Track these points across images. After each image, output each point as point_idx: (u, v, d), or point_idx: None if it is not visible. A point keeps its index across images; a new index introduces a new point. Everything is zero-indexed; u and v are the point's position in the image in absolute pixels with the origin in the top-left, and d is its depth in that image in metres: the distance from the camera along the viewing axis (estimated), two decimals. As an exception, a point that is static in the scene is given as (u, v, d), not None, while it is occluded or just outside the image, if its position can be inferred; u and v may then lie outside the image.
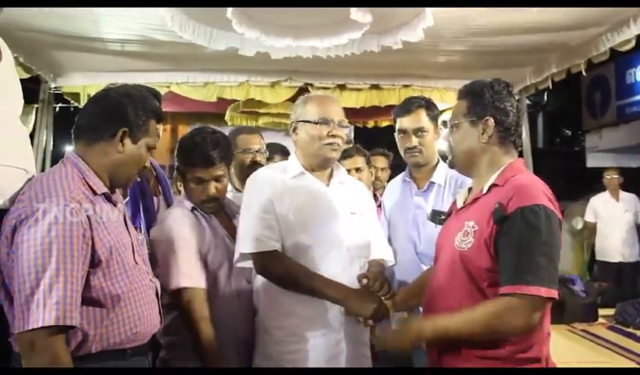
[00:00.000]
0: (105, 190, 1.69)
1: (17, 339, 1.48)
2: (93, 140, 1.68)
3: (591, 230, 6.76)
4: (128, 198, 2.39)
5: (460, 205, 1.87)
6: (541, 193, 1.61)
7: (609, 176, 6.64)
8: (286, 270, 2.08)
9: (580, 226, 7.14)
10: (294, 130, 2.23)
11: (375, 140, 5.74)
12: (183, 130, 7.66)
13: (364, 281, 2.08)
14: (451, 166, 1.95)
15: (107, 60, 4.64)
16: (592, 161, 11.15)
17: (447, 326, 1.65)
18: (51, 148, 5.44)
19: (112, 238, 1.63)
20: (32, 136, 5.77)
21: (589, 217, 6.76)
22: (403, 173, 2.77)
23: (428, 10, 3.26)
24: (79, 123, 1.73)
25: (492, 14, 3.57)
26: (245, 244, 2.11)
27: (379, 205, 3.16)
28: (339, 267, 2.12)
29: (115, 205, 1.75)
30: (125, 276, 1.64)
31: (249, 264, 2.16)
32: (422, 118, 2.55)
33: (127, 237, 1.74)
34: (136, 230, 1.97)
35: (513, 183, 1.65)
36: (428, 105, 2.60)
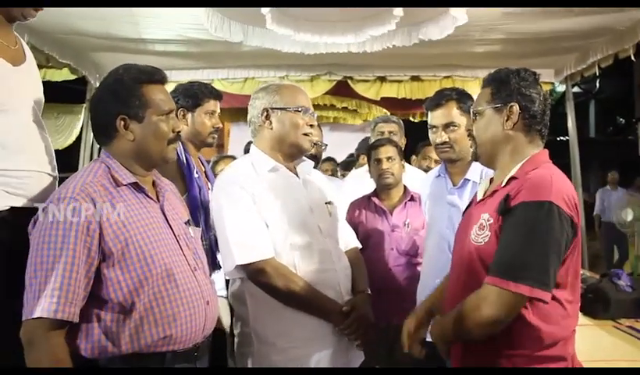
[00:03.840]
0: (132, 180, 1.63)
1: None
2: (106, 139, 1.67)
3: None
4: (187, 192, 2.36)
5: (480, 197, 1.82)
6: (552, 190, 1.54)
7: None
8: (285, 284, 1.91)
9: (630, 217, 6.84)
10: (266, 117, 2.06)
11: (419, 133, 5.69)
12: (228, 125, 7.81)
13: (347, 309, 1.97)
14: (475, 158, 1.88)
15: (149, 60, 4.74)
16: (645, 150, 10.70)
17: (444, 322, 1.66)
18: (98, 146, 5.60)
19: (131, 230, 1.55)
20: (80, 135, 6.03)
21: None
22: (438, 167, 2.67)
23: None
24: (92, 131, 1.74)
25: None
26: (241, 253, 1.91)
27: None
28: (331, 262, 2.04)
29: (152, 196, 1.69)
30: (148, 271, 1.54)
31: (238, 274, 1.99)
32: (452, 112, 2.40)
33: (163, 230, 1.64)
34: (188, 224, 1.83)
35: (528, 177, 1.60)
36: (460, 98, 2.43)
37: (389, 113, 6.87)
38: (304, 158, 2.20)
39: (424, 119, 6.52)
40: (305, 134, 2.07)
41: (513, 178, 1.65)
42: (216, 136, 2.61)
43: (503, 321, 1.52)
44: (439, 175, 2.58)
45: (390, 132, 3.60)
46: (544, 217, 1.49)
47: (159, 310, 1.55)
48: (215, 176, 2.87)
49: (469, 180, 2.42)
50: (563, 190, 1.55)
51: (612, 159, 15.24)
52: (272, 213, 1.98)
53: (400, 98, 5.55)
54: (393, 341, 2.92)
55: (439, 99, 2.44)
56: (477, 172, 2.40)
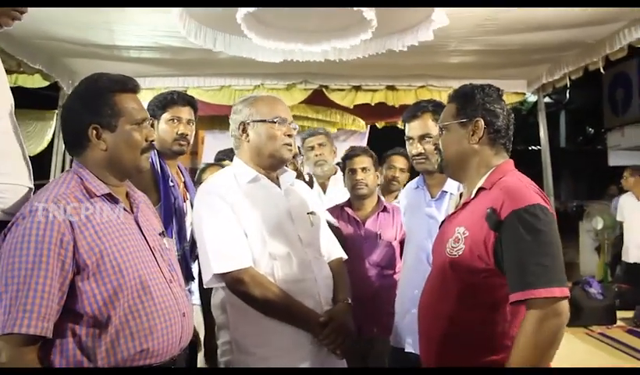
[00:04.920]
0: (106, 191, 1.60)
1: None
2: (78, 149, 1.64)
3: (622, 229, 6.67)
4: (161, 202, 2.33)
5: (452, 209, 1.86)
6: (532, 192, 1.59)
7: (624, 177, 6.58)
8: (263, 293, 1.92)
9: (600, 226, 7.01)
10: (244, 130, 2.10)
11: (391, 141, 5.71)
12: (202, 133, 7.76)
13: (325, 320, 1.97)
14: (441, 171, 1.92)
15: (123, 66, 4.70)
16: (615, 159, 10.95)
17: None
18: (71, 153, 5.49)
19: (105, 242, 1.52)
20: (52, 141, 5.92)
21: (619, 216, 6.70)
22: (416, 179, 2.67)
23: (438, 10, 3.23)
24: (64, 141, 1.70)
25: (505, 12, 3.54)
26: (219, 263, 1.93)
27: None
28: (310, 272, 2.03)
29: (126, 208, 1.67)
30: (124, 283, 1.51)
31: (217, 283, 2.01)
32: (428, 124, 2.41)
33: (138, 242, 1.62)
34: (162, 236, 1.81)
35: (500, 186, 1.63)
36: (436, 109, 2.42)
37: (363, 122, 6.92)
38: (285, 168, 2.21)
39: (395, 125, 6.57)
40: (285, 144, 2.08)
41: (482, 189, 1.69)
42: (183, 143, 2.51)
43: (565, 324, 1.51)
44: (418, 187, 2.60)
45: (320, 144, 3.64)
46: (541, 219, 1.52)
47: (135, 323, 1.52)
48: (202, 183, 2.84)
49: (447, 192, 2.44)
50: (536, 190, 1.60)
51: (582, 168, 15.55)
52: (251, 223, 1.99)
53: (374, 104, 5.57)
54: (366, 352, 2.91)
55: (415, 111, 2.47)
56: (454, 184, 2.42)
